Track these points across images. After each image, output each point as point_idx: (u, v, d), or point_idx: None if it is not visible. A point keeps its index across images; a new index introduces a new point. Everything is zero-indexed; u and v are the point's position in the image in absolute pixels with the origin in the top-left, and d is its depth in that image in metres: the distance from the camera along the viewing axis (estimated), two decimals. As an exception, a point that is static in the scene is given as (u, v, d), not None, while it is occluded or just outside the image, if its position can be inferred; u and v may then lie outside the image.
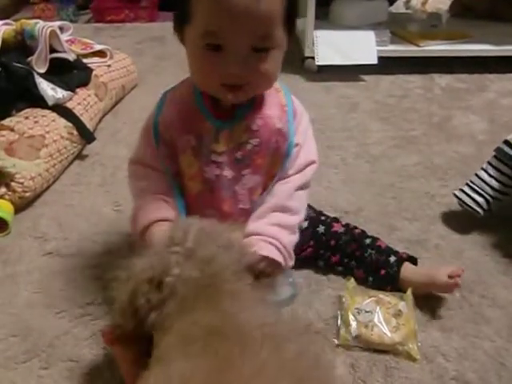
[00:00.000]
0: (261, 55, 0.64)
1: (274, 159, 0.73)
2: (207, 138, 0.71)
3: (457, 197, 1.00)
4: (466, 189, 0.99)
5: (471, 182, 0.99)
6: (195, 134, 0.71)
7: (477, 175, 0.99)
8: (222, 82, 0.65)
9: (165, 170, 0.73)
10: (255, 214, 0.73)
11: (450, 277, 0.78)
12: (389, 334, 0.73)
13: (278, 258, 0.69)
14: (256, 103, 0.71)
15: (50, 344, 0.75)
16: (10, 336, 0.76)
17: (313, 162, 0.76)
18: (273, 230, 0.71)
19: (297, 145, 0.74)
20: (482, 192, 0.97)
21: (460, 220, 1.01)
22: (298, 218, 0.75)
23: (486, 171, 0.98)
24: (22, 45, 1.28)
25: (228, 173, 0.71)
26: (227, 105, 0.70)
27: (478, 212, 0.97)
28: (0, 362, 0.72)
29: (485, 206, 0.97)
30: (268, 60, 0.64)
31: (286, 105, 0.73)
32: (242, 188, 0.72)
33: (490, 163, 0.98)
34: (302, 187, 0.75)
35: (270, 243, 0.69)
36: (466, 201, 0.98)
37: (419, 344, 0.73)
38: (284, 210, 0.73)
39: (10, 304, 0.82)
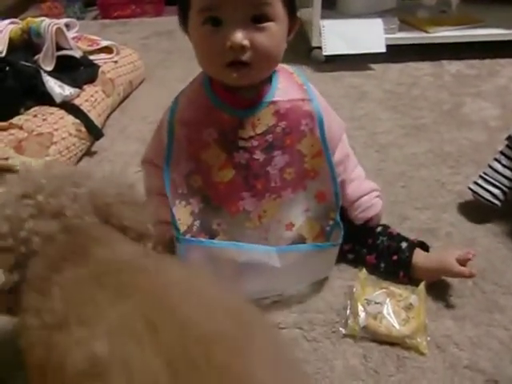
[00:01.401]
0: (260, 27, 0.65)
1: (312, 141, 0.74)
2: (230, 128, 0.72)
3: (472, 190, 0.98)
4: (481, 181, 0.97)
5: (485, 173, 0.97)
6: (214, 127, 0.72)
7: (490, 166, 0.97)
8: (226, 60, 0.65)
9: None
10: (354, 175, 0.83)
11: (460, 262, 0.78)
12: (397, 326, 0.73)
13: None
14: (279, 87, 0.73)
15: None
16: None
17: (342, 132, 0.84)
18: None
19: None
20: (497, 183, 0.95)
21: (472, 208, 0.99)
22: None
23: (499, 161, 0.96)
24: (29, 43, 1.29)
25: (259, 156, 0.73)
26: (251, 93, 0.72)
27: (495, 204, 0.95)
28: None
29: (501, 197, 0.95)
30: (267, 32, 0.65)
31: (304, 84, 0.75)
32: (274, 168, 0.74)
33: (502, 153, 0.96)
34: (348, 153, 0.84)
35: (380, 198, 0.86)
36: (481, 194, 0.96)
37: (429, 338, 0.73)
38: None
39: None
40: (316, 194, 0.77)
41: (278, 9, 0.66)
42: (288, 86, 0.74)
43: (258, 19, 0.64)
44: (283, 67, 0.76)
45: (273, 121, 0.72)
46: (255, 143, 0.73)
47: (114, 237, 0.54)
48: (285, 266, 0.75)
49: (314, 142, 0.75)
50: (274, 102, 0.72)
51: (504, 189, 0.95)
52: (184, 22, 0.70)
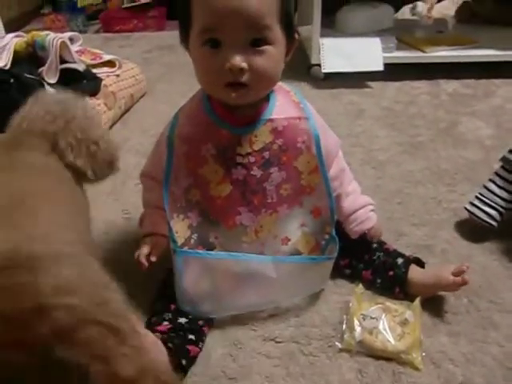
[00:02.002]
0: (258, 50, 0.66)
1: (308, 158, 0.76)
2: (228, 145, 0.74)
3: (468, 211, 0.98)
4: (477, 202, 0.97)
5: (481, 194, 0.98)
6: (213, 143, 0.74)
7: (486, 187, 0.98)
8: (225, 80, 0.67)
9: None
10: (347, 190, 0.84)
11: (455, 275, 0.79)
12: (393, 341, 0.73)
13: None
14: (277, 105, 0.75)
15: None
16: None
17: (338, 148, 0.85)
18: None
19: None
20: (494, 204, 0.96)
21: (467, 225, 1.01)
22: None
23: (494, 182, 0.97)
24: (33, 56, 1.31)
25: (256, 172, 0.75)
26: (249, 111, 0.73)
27: (492, 225, 0.95)
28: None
29: (498, 217, 0.95)
30: (265, 55, 0.67)
31: (300, 102, 0.77)
32: (270, 184, 0.76)
33: (497, 174, 0.97)
34: (344, 168, 0.85)
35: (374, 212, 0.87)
36: (478, 215, 0.96)
37: (423, 354, 0.73)
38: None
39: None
40: (312, 210, 0.79)
41: (277, 32, 0.67)
42: (285, 104, 0.76)
43: (257, 43, 0.66)
44: (280, 85, 0.77)
45: (270, 138, 0.74)
46: (252, 159, 0.74)
47: (35, 148, 0.72)
48: (280, 277, 0.77)
49: (311, 159, 0.76)
50: (271, 120, 0.74)
51: (500, 209, 0.95)
52: (185, 39, 0.72)
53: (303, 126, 0.75)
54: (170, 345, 0.69)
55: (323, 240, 0.80)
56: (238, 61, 0.65)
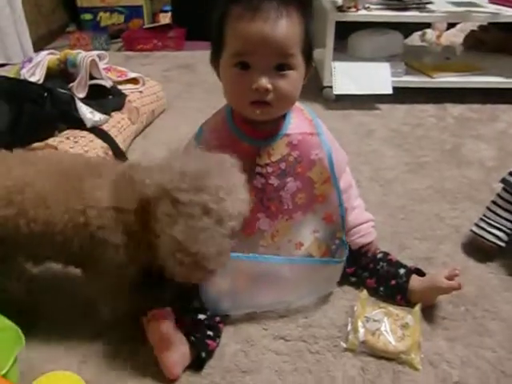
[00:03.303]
0: (282, 74, 0.75)
1: (321, 169, 0.84)
2: (249, 156, 0.82)
3: (476, 233, 1.02)
4: (483, 224, 1.02)
5: (486, 217, 1.02)
6: (235, 154, 0.80)
7: (490, 209, 1.02)
8: (251, 98, 0.75)
9: None
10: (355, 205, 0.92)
11: (449, 278, 0.85)
12: (393, 342, 0.79)
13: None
14: (292, 121, 0.83)
15: None
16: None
17: (346, 164, 0.92)
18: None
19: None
20: (500, 226, 1.00)
21: (466, 240, 1.07)
22: None
23: (497, 204, 1.01)
24: (64, 72, 1.41)
25: (274, 181, 0.83)
26: (267, 127, 0.82)
27: (500, 246, 1.00)
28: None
29: (505, 238, 1.00)
30: (288, 79, 0.75)
31: (313, 119, 0.85)
32: (286, 193, 0.84)
33: (500, 196, 1.02)
34: (351, 184, 0.93)
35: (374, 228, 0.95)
36: (486, 237, 1.00)
37: (422, 355, 0.79)
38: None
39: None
40: (324, 216, 0.86)
41: (299, 59, 0.76)
42: (299, 121, 0.84)
43: (281, 67, 0.75)
44: (295, 104, 0.85)
45: (286, 150, 0.82)
46: (270, 170, 0.82)
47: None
48: (294, 277, 0.84)
49: (323, 170, 0.84)
50: (287, 135, 0.82)
51: (507, 230, 1.00)
52: (215, 60, 0.80)
53: (316, 140, 0.83)
54: (192, 338, 0.76)
55: (334, 245, 0.87)
56: (264, 82, 0.74)
